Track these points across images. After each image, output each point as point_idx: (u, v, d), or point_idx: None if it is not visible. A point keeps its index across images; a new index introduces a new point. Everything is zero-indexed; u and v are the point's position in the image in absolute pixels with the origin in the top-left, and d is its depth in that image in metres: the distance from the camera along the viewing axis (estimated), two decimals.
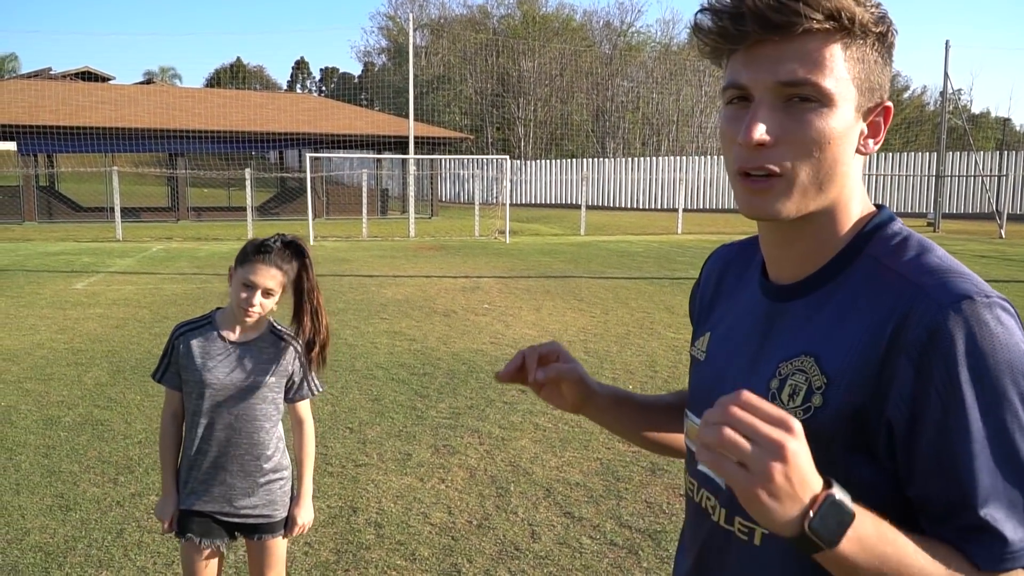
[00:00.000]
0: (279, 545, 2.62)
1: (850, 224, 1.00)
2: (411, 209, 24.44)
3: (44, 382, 6.60)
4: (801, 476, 0.78)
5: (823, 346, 0.96)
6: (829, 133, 0.92)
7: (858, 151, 0.97)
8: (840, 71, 0.92)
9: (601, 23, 58.42)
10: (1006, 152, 34.41)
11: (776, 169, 0.93)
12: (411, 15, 29.27)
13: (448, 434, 5.38)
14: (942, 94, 28.89)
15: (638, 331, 8.93)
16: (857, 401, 0.91)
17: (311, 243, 20.27)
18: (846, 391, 0.92)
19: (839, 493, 0.81)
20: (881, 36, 0.94)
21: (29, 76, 45.42)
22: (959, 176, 33.39)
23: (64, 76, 46.05)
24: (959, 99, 49.87)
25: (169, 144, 28.50)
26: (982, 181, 31.17)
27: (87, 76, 46.97)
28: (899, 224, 1.01)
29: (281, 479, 2.59)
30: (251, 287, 2.42)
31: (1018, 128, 62.11)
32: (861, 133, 0.97)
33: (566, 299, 11.19)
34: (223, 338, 2.51)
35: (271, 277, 2.43)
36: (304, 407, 2.65)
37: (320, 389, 2.68)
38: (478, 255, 17.81)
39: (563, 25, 56.35)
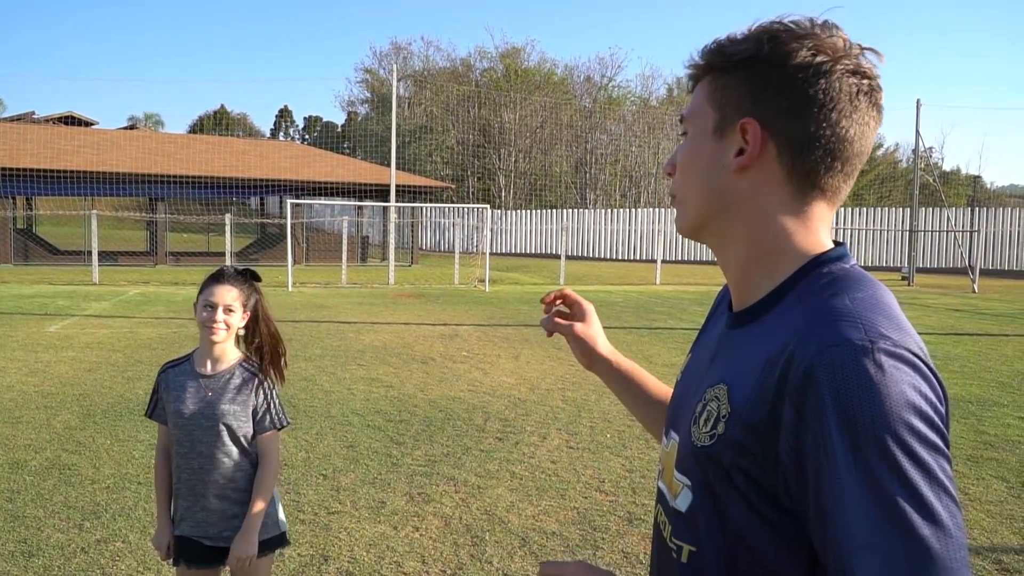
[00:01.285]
0: (266, 565, 2.74)
1: (780, 256, 1.02)
2: (391, 256, 24.46)
3: (12, 425, 6.47)
4: None
5: (736, 377, 0.98)
6: (688, 155, 1.07)
7: (734, 169, 1.01)
8: (701, 101, 1.05)
9: (582, 77, 59.48)
10: (977, 208, 35.12)
11: (674, 192, 1.11)
12: (395, 66, 29.66)
13: (423, 482, 5.32)
14: (914, 151, 29.55)
15: None
16: (750, 435, 0.92)
17: (289, 289, 20.19)
18: (743, 423, 0.93)
19: None
20: (748, 64, 1.00)
21: (12, 119, 45.42)
22: (932, 231, 33.99)
23: (48, 120, 46.11)
24: (931, 156, 50.96)
25: (150, 189, 28.46)
26: (954, 236, 31.73)
27: (71, 120, 47.06)
28: (842, 264, 1.00)
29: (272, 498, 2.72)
30: (212, 307, 2.63)
31: (988, 185, 63.50)
32: (735, 151, 1.01)
33: (544, 348, 11.18)
34: (197, 373, 2.68)
35: (228, 294, 2.65)
36: (267, 440, 2.70)
37: (285, 423, 2.74)
38: (457, 303, 17.80)
39: (544, 79, 57.26)
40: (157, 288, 20.15)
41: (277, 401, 2.73)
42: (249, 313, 2.73)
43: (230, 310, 2.65)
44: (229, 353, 2.72)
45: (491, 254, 24.55)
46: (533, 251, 40.98)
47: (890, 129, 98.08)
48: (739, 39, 1.01)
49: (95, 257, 22.16)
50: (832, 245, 1.03)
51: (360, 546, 4.28)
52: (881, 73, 1.01)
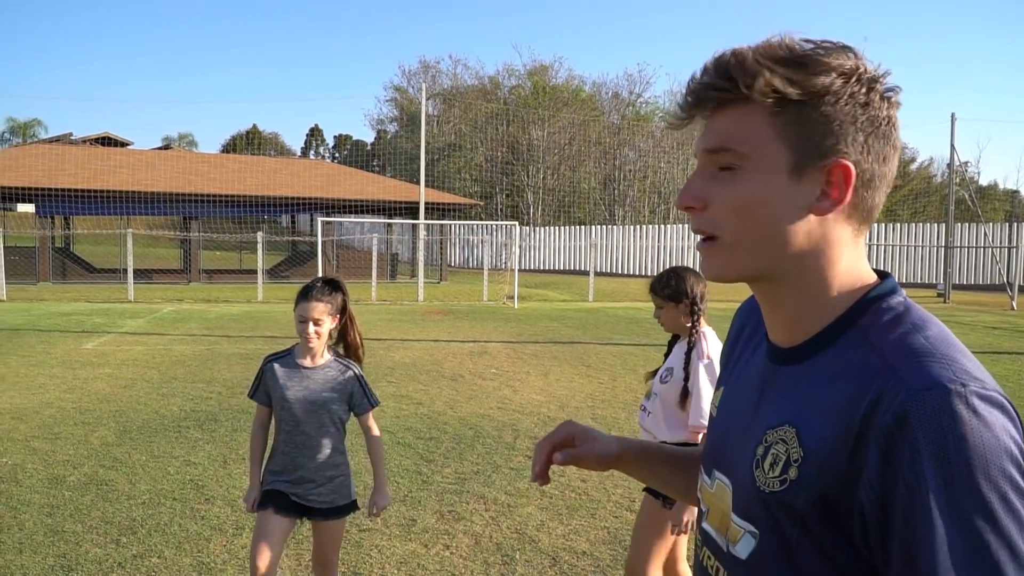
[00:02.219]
0: (339, 527, 3.35)
1: (837, 291, 0.98)
2: (420, 273, 24.58)
3: (51, 441, 6.59)
4: None
5: (805, 418, 0.94)
6: (752, 196, 0.96)
7: (815, 212, 0.96)
8: (761, 136, 0.95)
9: (610, 94, 59.53)
10: (1015, 223, 34.52)
11: (712, 232, 0.99)
12: (423, 85, 29.95)
13: (453, 500, 5.33)
14: (949, 166, 29.18)
15: None
16: (828, 480, 0.89)
17: None
18: (819, 468, 0.90)
19: None
20: (828, 99, 0.93)
21: (51, 141, 46.44)
22: (968, 247, 33.47)
23: (85, 141, 47.04)
24: (966, 171, 50.28)
25: (184, 207, 28.92)
26: (992, 252, 31.22)
27: (107, 141, 47.99)
28: (899, 297, 0.98)
29: (343, 475, 3.30)
30: (304, 321, 3.19)
31: None
32: (817, 195, 0.95)
33: (574, 365, 11.16)
34: (298, 364, 3.26)
35: (316, 310, 3.19)
36: (367, 419, 3.35)
37: (378, 402, 3.39)
38: (486, 320, 17.84)
39: (572, 96, 57.40)
40: (191, 305, 20.43)
41: (368, 385, 3.35)
42: (337, 317, 3.27)
43: (319, 323, 3.19)
44: (324, 349, 3.29)
45: (520, 271, 24.58)
46: (562, 267, 40.96)
47: (924, 143, 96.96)
48: (811, 69, 0.93)
49: (131, 275, 22.53)
50: (875, 274, 1.02)
51: (391, 564, 4.30)
52: (916, 84, 1.00)
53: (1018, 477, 0.82)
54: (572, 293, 26.64)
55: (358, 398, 3.30)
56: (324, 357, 3.29)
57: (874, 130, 0.95)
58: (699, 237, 1.01)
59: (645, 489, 3.41)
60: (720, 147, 0.97)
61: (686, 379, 3.21)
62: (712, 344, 3.29)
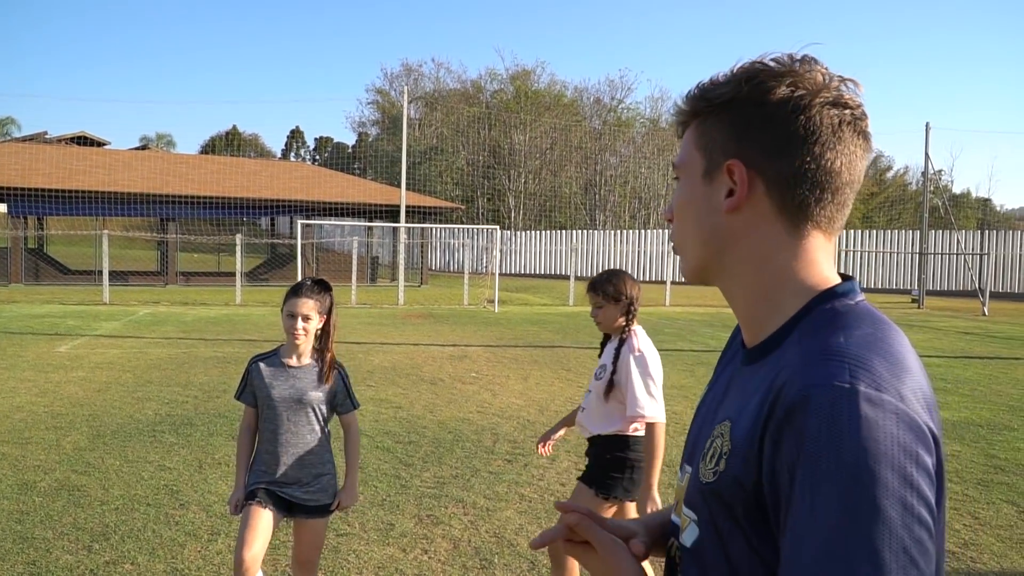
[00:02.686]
0: (323, 526, 3.35)
1: (785, 292, 1.02)
2: (400, 277, 24.51)
3: (21, 446, 6.48)
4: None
5: (738, 414, 0.99)
6: (680, 200, 1.10)
7: (726, 209, 1.03)
8: (689, 147, 1.08)
9: (591, 99, 59.74)
10: (987, 231, 34.99)
11: (674, 239, 1.13)
12: (406, 88, 29.88)
13: (432, 504, 5.29)
14: (923, 174, 29.51)
15: None
16: (744, 472, 0.93)
17: None
18: (739, 460, 0.94)
19: None
20: (729, 107, 1.02)
21: (24, 140, 45.86)
22: (942, 254, 33.87)
23: (60, 140, 46.50)
24: (940, 179, 50.88)
25: (161, 209, 28.67)
26: (964, 259, 31.61)
27: (83, 140, 47.45)
28: (849, 300, 0.99)
29: (328, 474, 3.33)
30: (293, 316, 3.24)
31: (999, 208, 63.32)
32: (725, 193, 1.03)
33: (554, 369, 11.15)
34: (284, 364, 3.30)
35: (306, 306, 3.24)
36: (351, 418, 3.42)
37: (359, 404, 3.44)
38: (466, 324, 17.80)
39: (554, 100, 57.54)
40: (168, 308, 20.23)
41: (351, 386, 3.40)
42: (324, 317, 3.32)
43: (308, 319, 3.25)
44: (309, 349, 3.33)
45: (500, 275, 24.58)
46: (543, 272, 41.01)
47: (899, 152, 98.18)
48: (720, 82, 1.03)
49: (106, 277, 22.28)
50: (838, 278, 1.03)
51: (369, 569, 4.26)
52: (864, 101, 1.02)
53: (896, 484, 0.81)
54: (552, 297, 26.66)
55: (341, 398, 3.36)
56: (309, 356, 3.33)
57: (779, 130, 0.99)
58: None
59: (579, 478, 3.54)
60: (672, 164, 1.14)
61: (613, 372, 3.38)
62: (643, 340, 3.46)
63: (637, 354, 3.36)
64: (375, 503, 5.30)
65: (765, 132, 0.99)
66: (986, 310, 24.62)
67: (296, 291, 3.27)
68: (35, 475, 5.71)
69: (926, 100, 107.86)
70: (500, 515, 5.13)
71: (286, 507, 3.27)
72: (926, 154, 27.81)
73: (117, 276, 25.33)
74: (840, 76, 1.01)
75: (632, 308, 3.46)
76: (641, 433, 3.41)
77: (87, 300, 21.61)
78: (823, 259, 1.03)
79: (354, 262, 24.90)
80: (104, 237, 22.87)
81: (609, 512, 3.40)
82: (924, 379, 0.91)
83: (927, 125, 27.43)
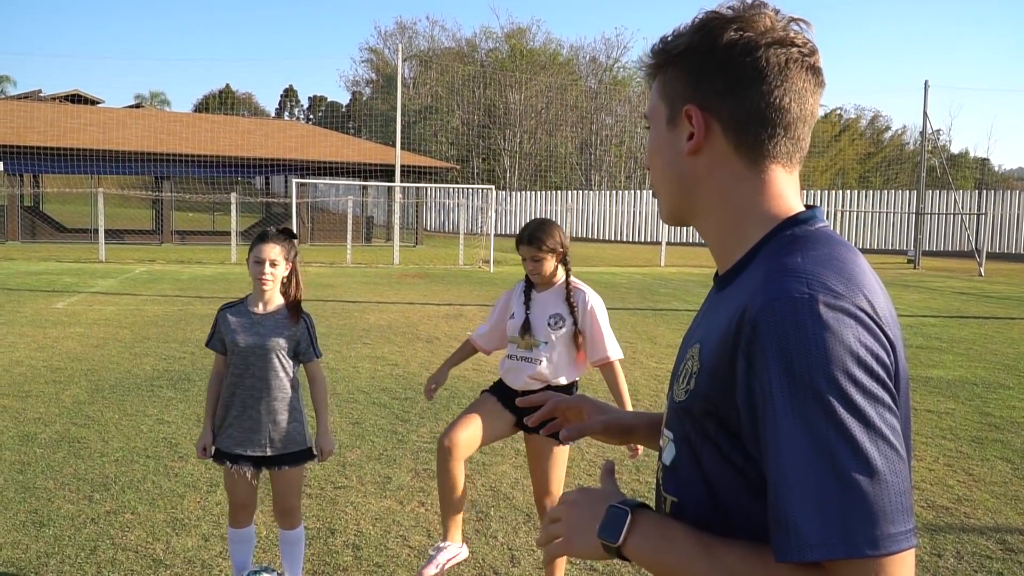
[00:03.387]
0: (296, 475, 3.35)
1: (749, 223, 1.08)
2: (396, 237, 24.46)
3: (21, 399, 6.53)
4: (581, 513, 1.09)
5: (707, 336, 1.05)
6: (651, 149, 1.16)
7: (688, 152, 1.09)
8: (655, 97, 1.14)
9: (587, 58, 59.12)
10: (985, 191, 34.95)
11: (653, 188, 1.19)
12: (400, 46, 29.53)
13: (429, 458, 5.36)
14: (921, 134, 29.38)
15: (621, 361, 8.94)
16: (713, 388, 1.00)
17: None
18: (708, 378, 1.01)
19: (619, 503, 1.05)
20: (684, 56, 1.08)
21: (19, 97, 45.35)
22: (939, 214, 33.86)
23: (54, 98, 45.96)
24: (938, 139, 50.69)
25: (156, 167, 28.48)
26: (962, 219, 31.61)
27: (77, 99, 46.90)
28: (807, 227, 1.05)
29: (295, 422, 3.33)
30: (260, 262, 3.24)
31: (996, 168, 63.14)
32: (686, 137, 1.09)
33: None
34: (250, 311, 3.32)
35: (272, 251, 3.25)
36: (314, 367, 3.42)
37: (321, 355, 3.44)
38: (462, 284, 17.82)
39: (550, 60, 56.92)
40: (163, 266, 20.21)
41: (315, 336, 3.41)
42: (291, 264, 3.33)
43: (275, 264, 3.25)
44: (276, 297, 3.34)
45: (496, 235, 24.53)
46: None
47: (897, 111, 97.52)
48: (678, 34, 1.10)
49: (101, 235, 22.21)
50: (802, 208, 1.09)
51: (366, 520, 4.33)
52: (814, 39, 1.08)
53: (863, 377, 0.88)
54: None
55: (304, 346, 3.35)
56: (275, 304, 3.34)
57: (728, 73, 1.04)
58: None
59: (524, 429, 3.45)
60: (645, 115, 1.19)
61: (576, 323, 3.45)
62: (588, 287, 3.58)
63: (598, 301, 3.49)
64: (372, 457, 5.36)
65: (716, 76, 1.05)
66: (982, 271, 24.68)
67: (262, 238, 3.30)
68: (35, 427, 5.76)
69: (925, 58, 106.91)
70: (496, 469, 5.20)
71: (257, 462, 3.30)
72: (924, 113, 27.68)
73: (113, 234, 25.24)
74: (790, 16, 1.06)
75: (567, 257, 3.54)
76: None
77: (83, 258, 21.57)
78: (786, 191, 1.08)
79: (349, 222, 24.82)
80: (100, 196, 22.75)
81: (564, 452, 3.52)
82: (881, 294, 0.99)
83: (926, 83, 27.25)
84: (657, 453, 1.23)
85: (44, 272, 17.56)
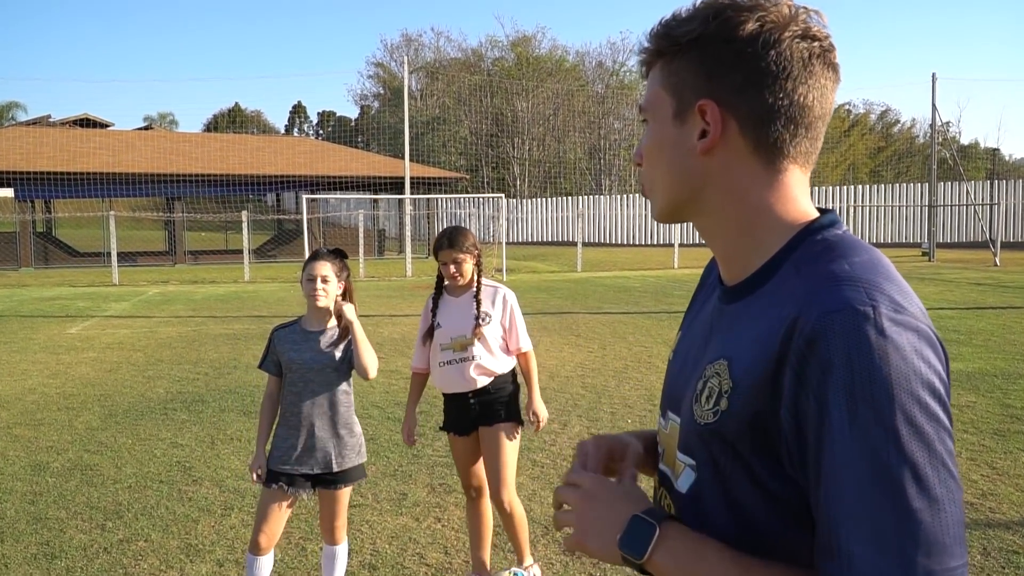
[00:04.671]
0: (348, 493, 3.41)
1: (768, 228, 1.01)
2: (407, 249, 24.45)
3: (34, 427, 6.50)
4: (599, 513, 1.00)
5: (736, 351, 0.97)
6: (652, 144, 1.06)
7: (700, 151, 1.00)
8: (655, 87, 1.05)
9: (593, 63, 59.07)
10: (997, 181, 34.63)
11: (644, 182, 1.10)
12: (406, 58, 29.59)
13: (444, 472, 5.28)
14: (931, 126, 29.14)
15: (636, 365, 8.86)
16: (754, 407, 0.91)
17: None
18: (745, 396, 0.93)
19: (645, 513, 0.96)
20: (696, 45, 0.99)
21: (28, 123, 45.76)
22: (951, 206, 33.56)
23: (64, 123, 46.34)
24: (948, 130, 50.30)
25: (167, 188, 28.62)
26: (974, 210, 31.32)
27: (86, 123, 47.25)
28: (835, 231, 0.99)
29: (354, 436, 3.38)
30: (312, 279, 3.30)
31: (1008, 157, 62.61)
32: (698, 134, 1.00)
33: (563, 335, 11.12)
34: (304, 330, 3.37)
35: (324, 268, 3.32)
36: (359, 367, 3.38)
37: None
38: None
39: (556, 66, 56.94)
40: (176, 287, 20.26)
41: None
42: (343, 284, 3.39)
43: (326, 280, 3.31)
44: (329, 316, 3.39)
45: (507, 243, 24.48)
46: (550, 239, 40.86)
47: (906, 104, 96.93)
48: (685, 19, 1.00)
49: (114, 258, 22.31)
50: (817, 212, 1.03)
51: (382, 538, 4.26)
52: (832, 32, 1.00)
53: (928, 399, 0.82)
54: (560, 264, 26.58)
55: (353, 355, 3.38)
56: (331, 323, 3.39)
57: (750, 67, 0.96)
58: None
59: (482, 425, 3.67)
60: (640, 108, 1.08)
61: (498, 317, 3.70)
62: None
63: (513, 297, 3.78)
64: (387, 473, 5.29)
65: (736, 69, 0.97)
66: (998, 260, 24.42)
67: (314, 256, 3.39)
68: (48, 456, 5.73)
69: (932, 50, 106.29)
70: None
71: (311, 481, 3.32)
72: (933, 105, 27.45)
73: (126, 257, 25.35)
74: (804, 7, 0.99)
75: (480, 259, 3.74)
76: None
77: (96, 282, 21.67)
78: (801, 194, 1.02)
79: (360, 235, 24.84)
80: (111, 218, 22.85)
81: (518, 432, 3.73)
82: (921, 303, 0.93)
83: (933, 76, 27.04)
84: (655, 479, 1.16)
85: (57, 297, 17.63)
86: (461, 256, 3.59)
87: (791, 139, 0.98)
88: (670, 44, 1.01)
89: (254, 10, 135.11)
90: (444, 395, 3.74)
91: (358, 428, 3.42)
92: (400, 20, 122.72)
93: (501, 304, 3.71)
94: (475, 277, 3.71)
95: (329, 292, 3.32)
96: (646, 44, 1.06)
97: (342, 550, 3.47)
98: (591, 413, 6.77)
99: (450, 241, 3.58)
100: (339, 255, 3.43)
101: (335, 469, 3.30)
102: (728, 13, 0.97)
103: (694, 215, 1.06)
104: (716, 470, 0.97)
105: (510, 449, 3.67)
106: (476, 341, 3.60)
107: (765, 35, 0.96)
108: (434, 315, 3.68)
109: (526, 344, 3.78)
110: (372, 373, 3.32)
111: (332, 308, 3.36)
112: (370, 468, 5.39)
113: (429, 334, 3.67)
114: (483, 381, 3.62)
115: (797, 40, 0.96)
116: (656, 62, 1.05)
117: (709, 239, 1.08)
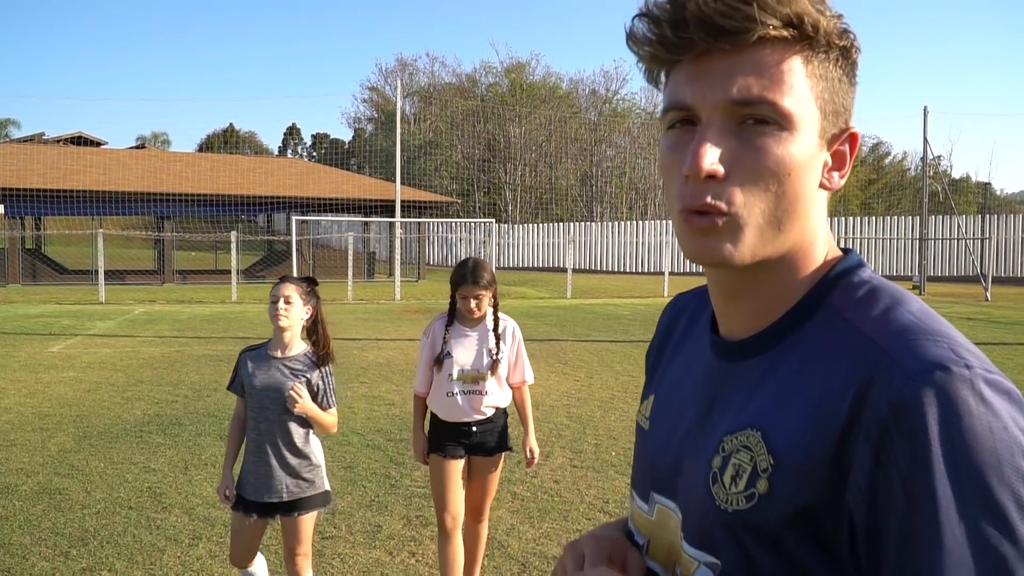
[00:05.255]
0: (305, 522, 3.32)
1: (811, 269, 0.83)
2: (397, 272, 24.37)
3: (6, 448, 6.36)
4: None
5: (772, 418, 0.78)
6: (789, 162, 0.77)
7: (821, 185, 0.81)
8: (801, 89, 0.77)
9: (587, 91, 59.41)
10: (988, 215, 34.84)
11: (724, 207, 0.77)
12: (399, 82, 29.71)
13: (421, 504, 5.17)
14: (922, 159, 29.34)
15: (623, 395, 8.76)
16: (808, 488, 0.73)
17: None
18: (795, 476, 0.74)
19: None
20: (845, 51, 0.80)
21: (21, 140, 45.72)
22: (943, 239, 33.72)
23: (58, 141, 46.33)
24: (939, 164, 50.70)
25: (157, 207, 28.51)
26: (965, 244, 31.46)
27: (80, 140, 47.27)
28: (869, 271, 0.83)
29: (310, 466, 3.32)
30: (275, 300, 3.32)
31: (999, 192, 63.12)
32: (825, 164, 0.81)
33: (550, 363, 11.02)
34: (269, 355, 3.36)
35: (288, 289, 3.33)
36: (331, 413, 3.38)
37: (332, 404, 3.38)
38: None
39: (550, 93, 57.29)
40: (163, 306, 20.10)
41: (332, 386, 3.39)
42: (312, 310, 3.36)
43: (289, 301, 3.30)
44: (296, 343, 3.38)
45: (498, 268, 24.43)
46: (540, 265, 40.85)
47: (898, 137, 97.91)
48: (828, 12, 0.78)
49: (101, 276, 22.14)
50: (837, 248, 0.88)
51: (354, 573, 4.14)
52: (888, 78, 0.86)
53: None
54: (550, 290, 26.53)
55: (321, 395, 3.35)
56: (296, 350, 3.37)
57: (854, 80, 0.83)
58: (693, 211, 0.78)
59: (471, 453, 3.73)
60: (759, 99, 0.76)
61: (506, 351, 3.76)
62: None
63: (518, 330, 3.86)
64: (363, 504, 5.17)
65: (852, 94, 0.83)
66: (988, 295, 24.48)
67: (281, 280, 3.41)
68: (17, 478, 5.58)
69: (923, 84, 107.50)
70: (491, 515, 4.97)
71: (270, 508, 3.30)
72: (924, 139, 27.66)
73: (114, 275, 25.18)
74: None
75: (496, 293, 3.76)
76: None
77: (83, 299, 21.48)
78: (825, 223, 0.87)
79: (350, 257, 24.75)
80: (99, 236, 22.71)
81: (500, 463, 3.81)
82: None
83: (925, 109, 27.26)
84: None
85: (42, 315, 17.45)
86: (483, 292, 3.60)
87: (850, 159, 0.84)
88: (818, 34, 0.77)
89: (251, 32, 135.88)
90: (439, 421, 3.72)
91: (316, 457, 3.36)
92: (396, 45, 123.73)
93: (510, 338, 3.77)
94: (493, 311, 3.74)
95: (292, 313, 3.30)
96: (788, 11, 0.75)
97: None
98: (575, 445, 6.66)
99: (474, 278, 3.58)
100: (309, 282, 3.44)
101: (285, 498, 3.27)
102: (848, 25, 0.81)
103: (773, 265, 0.82)
104: (750, 567, 0.77)
105: (497, 478, 3.79)
106: (488, 375, 3.67)
107: (855, 38, 0.81)
108: (444, 342, 3.69)
109: (530, 377, 3.88)
110: (332, 432, 3.42)
111: (295, 333, 3.37)
112: (345, 498, 5.27)
113: (438, 362, 3.66)
114: (488, 412, 3.70)
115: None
116: (789, 47, 0.77)
117: (743, 290, 0.85)
